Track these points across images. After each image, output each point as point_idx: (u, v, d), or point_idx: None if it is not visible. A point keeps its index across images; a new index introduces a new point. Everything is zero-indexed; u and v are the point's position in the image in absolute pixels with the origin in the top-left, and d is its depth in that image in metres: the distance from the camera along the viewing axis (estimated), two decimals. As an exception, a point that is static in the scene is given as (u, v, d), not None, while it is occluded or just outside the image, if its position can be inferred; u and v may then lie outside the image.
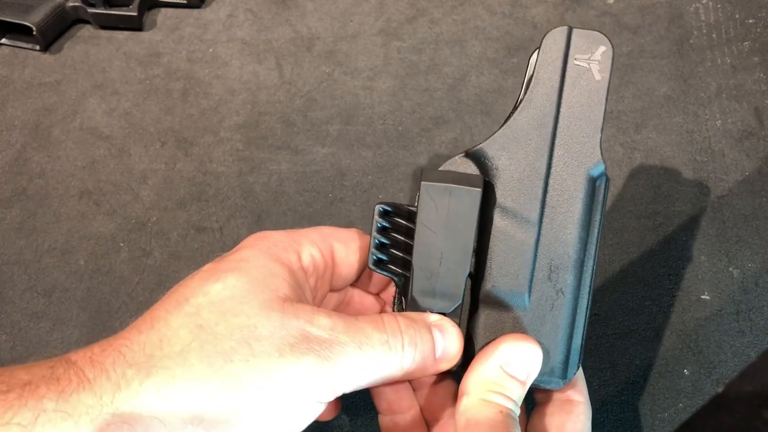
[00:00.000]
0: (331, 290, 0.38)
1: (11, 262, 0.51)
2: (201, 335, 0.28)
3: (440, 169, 0.34)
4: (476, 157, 0.34)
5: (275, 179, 0.53)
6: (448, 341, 0.33)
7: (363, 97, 0.57)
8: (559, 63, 0.33)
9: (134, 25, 0.61)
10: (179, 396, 0.27)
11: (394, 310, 0.36)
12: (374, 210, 0.34)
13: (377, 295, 0.40)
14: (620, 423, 0.43)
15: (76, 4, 0.60)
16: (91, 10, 0.60)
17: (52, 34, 0.60)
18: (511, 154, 0.33)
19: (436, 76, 0.57)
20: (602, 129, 0.33)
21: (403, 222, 0.34)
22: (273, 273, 0.31)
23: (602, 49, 0.33)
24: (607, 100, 0.33)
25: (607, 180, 0.33)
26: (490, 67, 0.58)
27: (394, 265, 0.34)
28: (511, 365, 0.32)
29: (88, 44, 0.61)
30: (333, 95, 0.57)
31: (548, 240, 0.33)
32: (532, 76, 0.33)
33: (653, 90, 0.55)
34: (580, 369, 0.35)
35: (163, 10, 0.63)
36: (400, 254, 0.34)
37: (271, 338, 0.28)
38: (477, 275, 0.34)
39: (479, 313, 0.34)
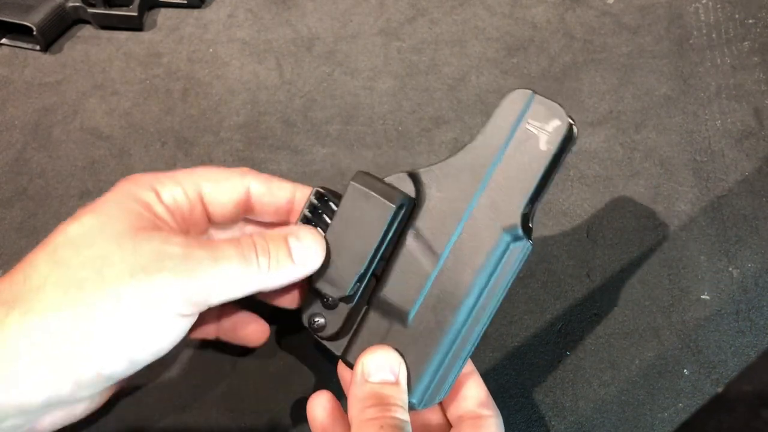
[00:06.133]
0: (216, 228, 0.40)
1: (11, 262, 0.51)
2: (57, 269, 0.30)
3: (386, 179, 0.36)
4: (415, 179, 0.36)
5: (275, 179, 0.53)
6: (306, 244, 0.35)
7: (363, 97, 0.57)
8: (511, 121, 0.34)
9: (134, 25, 0.61)
10: (38, 326, 0.29)
11: None
12: (312, 190, 0.37)
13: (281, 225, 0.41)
14: (620, 423, 0.43)
15: (76, 4, 0.60)
16: (91, 10, 0.60)
17: (52, 34, 0.60)
18: (442, 188, 0.35)
19: (436, 76, 0.57)
20: (535, 198, 0.34)
21: (333, 207, 0.36)
22: (128, 209, 0.33)
23: (556, 122, 0.33)
24: (550, 172, 0.33)
25: (530, 247, 0.34)
26: (490, 67, 0.58)
27: None
28: (374, 374, 0.34)
29: (88, 44, 0.61)
30: (333, 95, 0.57)
31: (445, 276, 0.35)
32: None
33: (653, 90, 0.55)
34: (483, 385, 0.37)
35: (163, 10, 0.63)
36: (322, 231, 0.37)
37: (122, 263, 0.30)
38: (379, 280, 0.36)
39: (369, 314, 0.36)
